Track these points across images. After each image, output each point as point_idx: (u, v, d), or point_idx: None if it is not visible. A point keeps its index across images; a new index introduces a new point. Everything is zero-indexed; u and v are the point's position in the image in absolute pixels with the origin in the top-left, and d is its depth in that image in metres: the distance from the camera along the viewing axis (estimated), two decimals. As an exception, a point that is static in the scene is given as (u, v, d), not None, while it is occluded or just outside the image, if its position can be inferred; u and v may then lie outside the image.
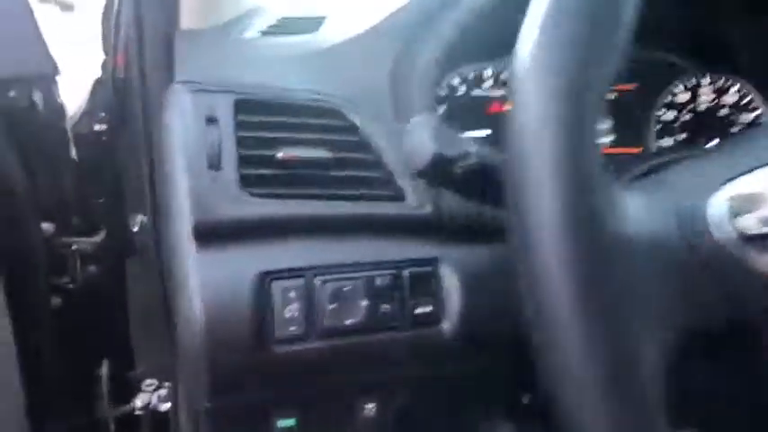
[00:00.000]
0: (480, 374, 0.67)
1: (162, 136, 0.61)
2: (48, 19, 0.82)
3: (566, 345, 0.40)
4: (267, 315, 0.56)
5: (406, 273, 0.61)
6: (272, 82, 0.64)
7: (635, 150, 0.85)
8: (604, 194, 0.41)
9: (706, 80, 0.90)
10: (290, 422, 0.63)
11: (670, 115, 0.89)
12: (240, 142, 0.59)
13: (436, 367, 0.63)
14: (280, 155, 0.59)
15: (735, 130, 0.91)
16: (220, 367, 0.54)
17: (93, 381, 1.01)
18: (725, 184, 0.44)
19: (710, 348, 0.51)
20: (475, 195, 0.57)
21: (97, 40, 0.91)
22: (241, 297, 0.55)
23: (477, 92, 0.84)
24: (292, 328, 0.56)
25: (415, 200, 0.62)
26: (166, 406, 0.99)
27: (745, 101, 0.91)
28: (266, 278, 0.56)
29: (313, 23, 0.74)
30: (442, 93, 0.82)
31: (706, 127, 0.90)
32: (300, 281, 0.57)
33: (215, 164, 0.57)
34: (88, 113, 0.95)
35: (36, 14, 0.79)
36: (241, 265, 0.55)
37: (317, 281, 0.58)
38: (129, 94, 0.80)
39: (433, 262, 0.62)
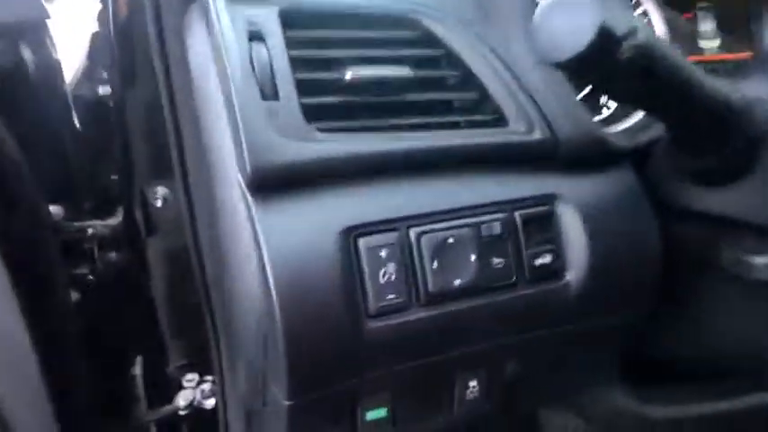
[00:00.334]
0: (603, 332, 0.54)
1: (190, 70, 0.48)
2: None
3: None
4: (357, 282, 0.43)
5: (517, 216, 0.48)
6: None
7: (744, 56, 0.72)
8: None
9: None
10: (380, 413, 0.51)
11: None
12: (295, 63, 0.45)
13: (558, 329, 0.51)
14: (347, 76, 0.46)
15: None
16: (304, 357, 0.42)
17: (127, 382, 0.88)
18: None
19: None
20: (633, 97, 0.43)
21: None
22: (322, 263, 0.42)
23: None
24: (390, 297, 0.44)
25: (522, 123, 0.49)
26: (212, 402, 0.87)
27: None
28: (350, 235, 0.43)
29: None
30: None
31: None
32: (393, 235, 0.44)
33: (269, 92, 0.43)
34: (88, 74, 0.81)
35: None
36: (316, 222, 0.42)
37: (413, 234, 0.45)
38: (138, 41, 0.66)
39: (549, 200, 0.49)
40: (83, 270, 0.85)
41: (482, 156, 0.48)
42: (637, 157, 0.54)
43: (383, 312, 0.44)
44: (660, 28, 0.61)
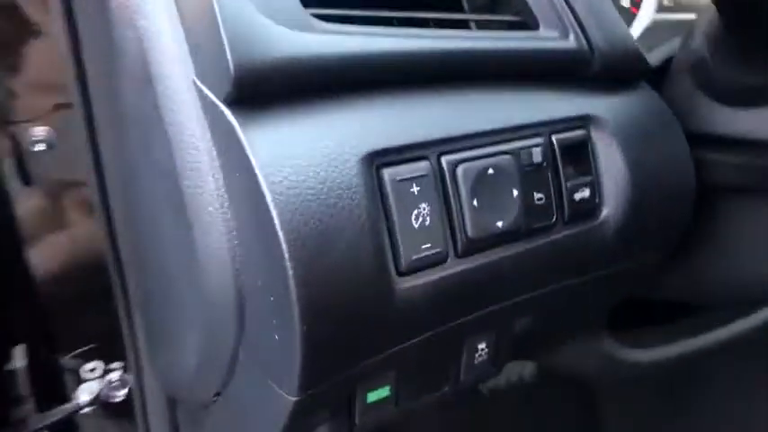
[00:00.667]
0: (622, 277, 0.48)
1: None
2: None
3: None
4: (384, 229, 0.32)
5: (555, 141, 0.39)
6: None
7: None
8: None
9: None
10: (382, 392, 0.41)
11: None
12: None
13: (587, 276, 0.44)
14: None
15: None
16: (323, 338, 0.30)
17: (5, 379, 0.70)
18: None
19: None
20: None
21: None
22: (341, 204, 0.30)
23: None
24: (425, 246, 0.33)
25: (554, 27, 0.40)
26: (122, 393, 0.71)
27: None
28: (372, 164, 0.32)
29: None
30: None
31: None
32: (423, 165, 0.33)
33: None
34: None
35: None
36: (328, 145, 0.30)
37: (447, 162, 0.34)
38: None
39: (584, 122, 0.40)
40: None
41: (511, 65, 0.38)
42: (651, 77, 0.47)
43: (417, 267, 0.33)
44: None
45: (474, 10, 0.40)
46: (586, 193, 0.40)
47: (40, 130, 0.59)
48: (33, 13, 0.45)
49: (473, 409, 0.80)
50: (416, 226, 0.32)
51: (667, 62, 0.49)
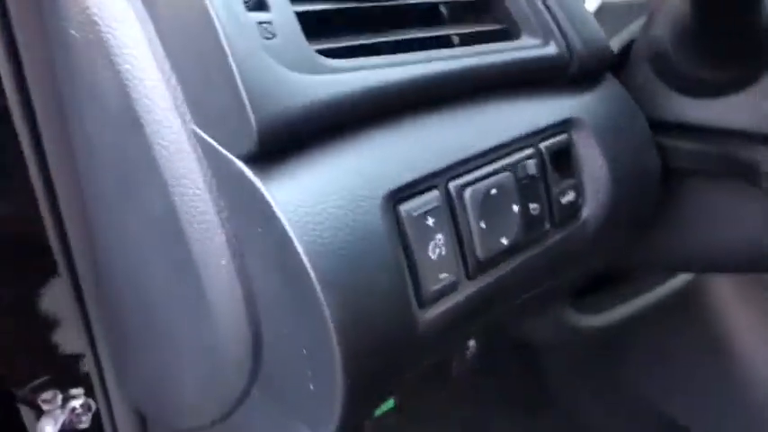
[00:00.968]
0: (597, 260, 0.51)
1: None
2: None
3: None
4: (405, 264, 0.31)
5: (543, 149, 0.40)
6: None
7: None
8: None
9: None
10: (387, 405, 0.42)
11: None
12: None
13: (573, 273, 0.46)
14: (344, -26, 0.32)
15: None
16: (359, 374, 0.30)
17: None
18: None
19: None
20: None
21: None
22: (367, 244, 0.29)
23: None
24: (443, 276, 0.33)
25: (536, 35, 0.40)
26: (87, 419, 0.68)
27: None
28: (391, 201, 0.31)
29: None
30: None
31: None
32: (434, 195, 0.33)
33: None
34: None
35: None
36: (349, 187, 0.29)
37: (455, 188, 0.34)
38: None
39: (566, 126, 0.42)
40: None
41: (500, 76, 0.38)
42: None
43: (435, 298, 0.33)
44: None
45: (456, 20, 0.39)
46: (571, 196, 0.41)
47: None
48: None
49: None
50: (434, 257, 0.32)
51: (627, 47, 0.50)
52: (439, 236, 0.33)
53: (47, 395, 0.67)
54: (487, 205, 0.35)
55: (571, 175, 0.42)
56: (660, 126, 0.48)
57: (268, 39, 0.27)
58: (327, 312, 0.27)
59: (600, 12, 0.57)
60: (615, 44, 0.51)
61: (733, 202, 0.47)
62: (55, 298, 0.58)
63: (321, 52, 0.30)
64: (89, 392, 0.66)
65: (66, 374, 0.66)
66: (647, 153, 0.46)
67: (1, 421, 0.67)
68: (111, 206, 0.37)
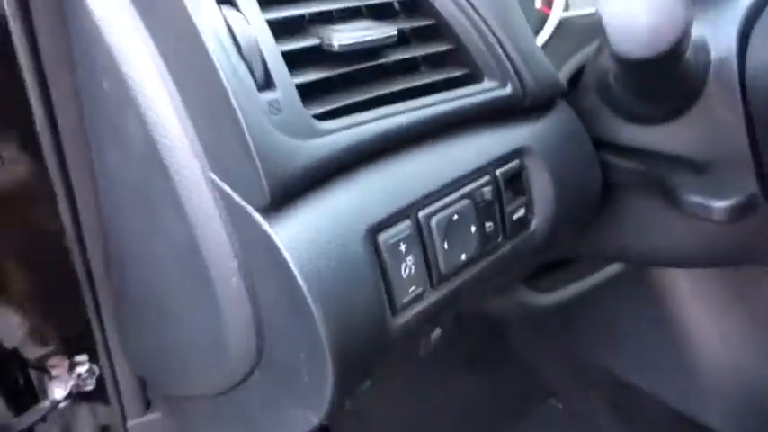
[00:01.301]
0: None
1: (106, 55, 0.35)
2: None
3: None
4: (381, 282, 0.39)
5: (499, 175, 0.47)
6: None
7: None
8: None
9: None
10: (366, 382, 0.51)
11: None
12: (274, 31, 0.35)
13: (522, 269, 0.54)
14: (335, 42, 0.38)
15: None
16: (344, 372, 0.38)
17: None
18: None
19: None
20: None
21: None
22: (353, 269, 0.37)
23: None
24: (412, 289, 0.41)
25: (495, 77, 0.47)
26: (92, 382, 0.76)
27: None
28: (371, 233, 0.38)
29: None
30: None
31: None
32: (406, 224, 0.40)
33: (262, 78, 0.33)
34: None
35: None
36: (338, 226, 0.37)
37: (423, 217, 0.42)
38: None
39: (519, 153, 0.49)
40: None
41: (463, 118, 0.45)
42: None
43: (405, 306, 0.41)
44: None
45: (428, 64, 0.46)
46: (522, 212, 0.49)
47: None
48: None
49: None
50: (405, 275, 0.40)
51: (580, 71, 0.57)
52: (409, 258, 0.40)
53: (55, 361, 0.75)
54: (450, 229, 0.43)
55: (522, 194, 0.49)
56: (603, 145, 0.56)
57: (275, 114, 0.33)
58: (321, 326, 0.35)
59: (559, 28, 0.64)
60: (569, 67, 0.58)
61: (659, 212, 0.55)
62: (64, 278, 0.64)
63: (317, 116, 0.36)
64: (93, 359, 0.73)
65: (73, 343, 0.74)
66: (590, 170, 0.54)
67: (15, 385, 0.74)
68: (126, 222, 0.44)
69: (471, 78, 0.46)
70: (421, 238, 0.41)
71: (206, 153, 0.35)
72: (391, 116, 0.40)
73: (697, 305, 1.01)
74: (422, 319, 0.44)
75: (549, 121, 0.52)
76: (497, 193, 0.47)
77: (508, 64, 0.47)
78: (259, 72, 0.33)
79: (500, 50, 0.46)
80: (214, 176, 0.36)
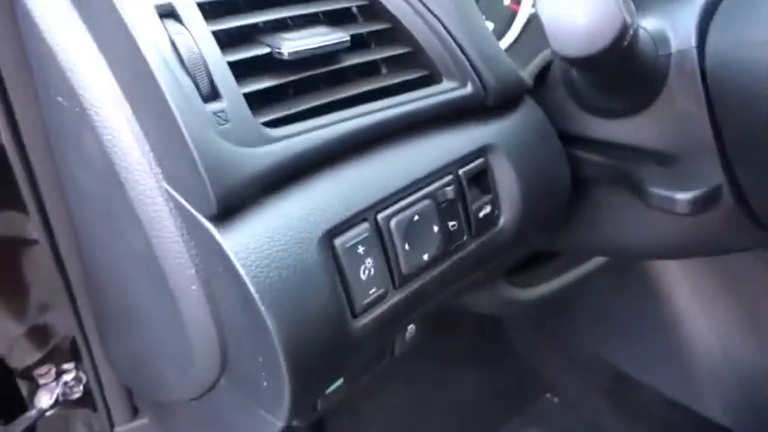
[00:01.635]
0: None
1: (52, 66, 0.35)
2: None
3: None
4: (339, 285, 0.40)
5: (462, 174, 0.47)
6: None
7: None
8: None
9: None
10: (337, 384, 0.51)
11: None
12: (222, 41, 0.36)
13: (492, 265, 0.54)
14: (284, 50, 0.38)
15: None
16: (302, 375, 0.38)
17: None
18: None
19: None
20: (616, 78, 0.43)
21: None
22: (307, 275, 0.37)
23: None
24: (372, 291, 0.41)
25: (455, 78, 0.47)
26: (80, 389, 0.77)
27: None
28: (326, 238, 0.39)
29: None
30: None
31: None
32: (364, 227, 0.41)
33: (207, 90, 0.34)
34: None
35: None
36: (291, 233, 0.37)
37: (382, 219, 0.42)
38: None
39: (483, 152, 0.49)
40: None
41: (422, 119, 0.45)
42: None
43: (366, 308, 0.41)
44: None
45: (388, 66, 0.46)
46: (488, 209, 0.49)
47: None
48: None
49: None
50: (364, 278, 0.40)
51: (547, 68, 0.57)
52: (368, 260, 0.41)
53: (42, 370, 0.76)
54: (411, 230, 0.43)
55: (488, 192, 0.50)
56: (572, 140, 0.56)
57: (222, 125, 0.33)
58: (274, 333, 0.35)
59: (529, 24, 0.64)
60: (537, 63, 0.58)
61: (630, 206, 0.55)
62: (48, 290, 0.65)
63: (268, 123, 0.37)
64: (80, 366, 0.74)
65: (59, 353, 0.74)
66: (557, 166, 0.54)
67: (2, 395, 0.75)
68: (96, 232, 0.44)
69: (431, 80, 0.46)
70: (381, 239, 0.42)
71: (159, 164, 0.36)
72: (346, 120, 0.40)
73: (688, 294, 1.01)
74: (388, 320, 0.44)
75: (513, 119, 0.52)
76: (460, 191, 0.47)
77: (467, 64, 0.47)
78: (204, 83, 0.34)
79: (459, 51, 0.47)
80: (168, 187, 0.36)
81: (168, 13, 0.34)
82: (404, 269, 0.43)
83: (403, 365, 1.07)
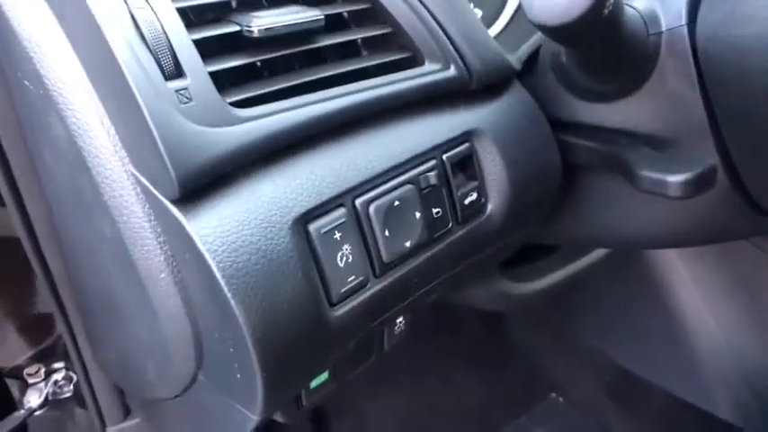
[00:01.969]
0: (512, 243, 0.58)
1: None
2: None
3: None
4: (315, 273, 0.38)
5: (446, 159, 0.46)
6: None
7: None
8: None
9: None
10: (322, 377, 0.49)
11: None
12: (190, 20, 0.34)
13: (481, 254, 0.53)
14: (254, 28, 0.37)
15: None
16: (275, 367, 0.37)
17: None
18: None
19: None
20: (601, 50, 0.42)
21: None
22: (278, 262, 0.36)
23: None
24: (351, 279, 0.40)
25: (437, 60, 0.45)
26: (69, 389, 0.76)
27: None
28: (300, 223, 0.37)
29: None
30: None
31: None
32: (341, 212, 0.39)
33: (171, 68, 0.33)
34: None
35: None
36: (260, 218, 0.36)
37: (360, 204, 0.40)
38: None
39: (468, 136, 0.48)
40: None
41: (403, 101, 0.44)
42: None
43: (345, 297, 0.40)
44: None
45: (368, 47, 0.45)
46: (474, 196, 0.48)
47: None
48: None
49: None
50: (341, 265, 0.39)
51: (535, 53, 0.56)
52: (346, 246, 0.39)
53: (31, 369, 0.75)
54: (391, 216, 0.42)
55: (474, 178, 0.48)
56: (562, 126, 0.54)
57: (185, 103, 0.32)
58: (242, 321, 0.34)
59: (519, 11, 0.63)
60: (526, 48, 0.56)
61: (625, 193, 0.54)
62: (34, 291, 0.64)
63: (237, 103, 0.35)
64: (70, 365, 0.73)
65: (49, 352, 0.74)
66: (547, 152, 0.53)
67: (-9, 393, 0.74)
68: (72, 223, 0.43)
69: (413, 62, 0.45)
70: (359, 225, 0.40)
71: (125, 147, 0.35)
72: (322, 101, 0.39)
73: (693, 291, 0.99)
74: (370, 310, 0.42)
75: (500, 104, 0.50)
76: (444, 177, 0.45)
77: (450, 46, 0.45)
78: (166, 60, 0.33)
79: (441, 33, 0.45)
80: (134, 170, 0.35)
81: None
82: (384, 257, 0.41)
83: (406, 365, 1.06)
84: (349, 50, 0.44)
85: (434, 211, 0.45)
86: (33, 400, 0.72)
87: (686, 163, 0.46)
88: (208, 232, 0.33)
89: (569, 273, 0.77)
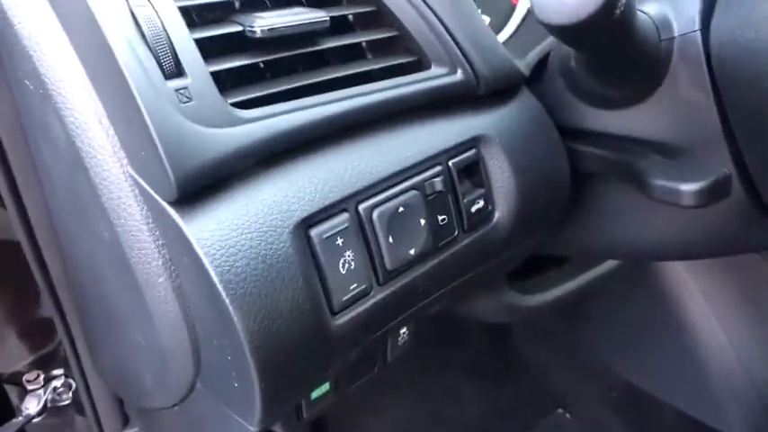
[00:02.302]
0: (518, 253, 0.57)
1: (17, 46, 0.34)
2: None
3: None
4: (317, 279, 0.37)
5: (452, 166, 0.45)
6: None
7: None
8: None
9: None
10: (323, 388, 0.48)
11: None
12: (189, 18, 0.34)
13: (488, 265, 0.51)
14: (256, 28, 0.36)
15: None
16: (274, 377, 0.36)
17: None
18: None
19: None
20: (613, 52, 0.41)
21: None
22: (278, 268, 0.35)
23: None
24: (353, 286, 0.39)
25: (444, 64, 0.44)
26: (68, 396, 0.75)
27: None
28: (301, 228, 0.36)
29: None
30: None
31: None
32: (344, 217, 0.38)
33: (171, 67, 0.32)
34: None
35: None
36: (261, 221, 0.35)
37: (364, 210, 0.39)
38: None
39: (475, 142, 0.47)
40: None
41: (409, 105, 0.43)
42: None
43: (347, 305, 0.39)
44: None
45: (373, 51, 0.44)
46: (481, 203, 0.47)
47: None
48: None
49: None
50: (344, 272, 0.38)
51: (544, 59, 0.55)
52: (348, 253, 0.38)
53: (30, 375, 0.74)
54: (395, 222, 0.40)
55: (481, 185, 0.47)
56: (571, 133, 0.53)
57: (185, 103, 0.31)
58: (240, 327, 0.33)
59: (527, 17, 0.62)
60: (535, 55, 0.56)
61: (637, 202, 0.52)
62: (34, 297, 0.64)
63: (238, 104, 0.34)
64: (70, 373, 0.72)
65: (48, 358, 0.73)
66: (556, 160, 0.52)
67: (-10, 400, 0.73)
68: (71, 226, 0.42)
69: (419, 66, 0.44)
70: (362, 231, 0.39)
71: (123, 148, 0.34)
72: (326, 104, 0.38)
73: (704, 306, 0.97)
74: (373, 319, 0.41)
75: (509, 110, 0.49)
76: (450, 183, 0.44)
77: (457, 51, 0.44)
78: (167, 59, 0.32)
79: (448, 37, 0.44)
80: (132, 172, 0.34)
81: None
82: (388, 264, 0.40)
83: (411, 379, 1.04)
84: (354, 53, 0.43)
85: (440, 218, 0.44)
86: (32, 406, 0.71)
87: (700, 171, 0.45)
88: (206, 235, 0.32)
89: (578, 285, 0.76)
